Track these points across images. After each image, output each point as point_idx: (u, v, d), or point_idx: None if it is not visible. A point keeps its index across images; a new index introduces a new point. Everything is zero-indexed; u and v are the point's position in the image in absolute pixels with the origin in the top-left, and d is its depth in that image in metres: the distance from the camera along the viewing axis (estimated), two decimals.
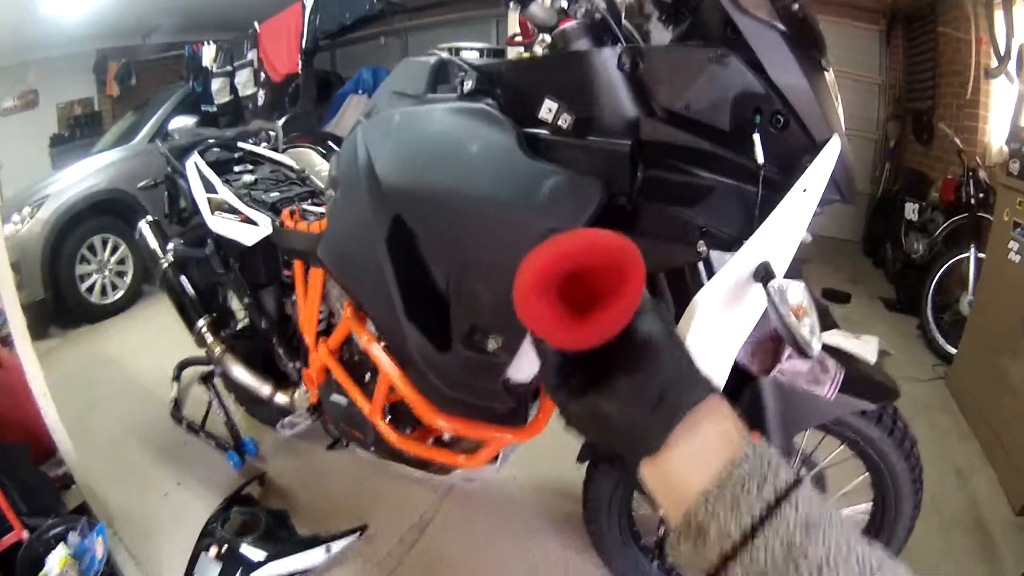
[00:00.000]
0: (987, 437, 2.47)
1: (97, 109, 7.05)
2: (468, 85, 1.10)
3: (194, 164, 2.00)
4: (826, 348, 1.23)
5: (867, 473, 1.36)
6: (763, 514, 0.41)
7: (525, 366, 1.08)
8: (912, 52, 5.58)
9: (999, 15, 3.76)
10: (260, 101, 4.74)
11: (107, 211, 3.96)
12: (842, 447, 1.37)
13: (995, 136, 4.09)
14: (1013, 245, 2.51)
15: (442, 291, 1.09)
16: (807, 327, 0.94)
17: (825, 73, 0.97)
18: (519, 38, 1.22)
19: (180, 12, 5.98)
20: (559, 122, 0.96)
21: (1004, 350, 2.46)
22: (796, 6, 0.93)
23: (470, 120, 1.04)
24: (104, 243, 3.94)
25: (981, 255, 3.09)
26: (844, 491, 1.44)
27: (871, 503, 1.40)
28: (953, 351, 3.09)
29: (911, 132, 5.34)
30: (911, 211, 4.15)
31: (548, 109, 0.97)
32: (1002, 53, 3.73)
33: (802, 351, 0.97)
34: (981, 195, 3.45)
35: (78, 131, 6.76)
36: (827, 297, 4.00)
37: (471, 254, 1.03)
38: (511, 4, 1.06)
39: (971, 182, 3.52)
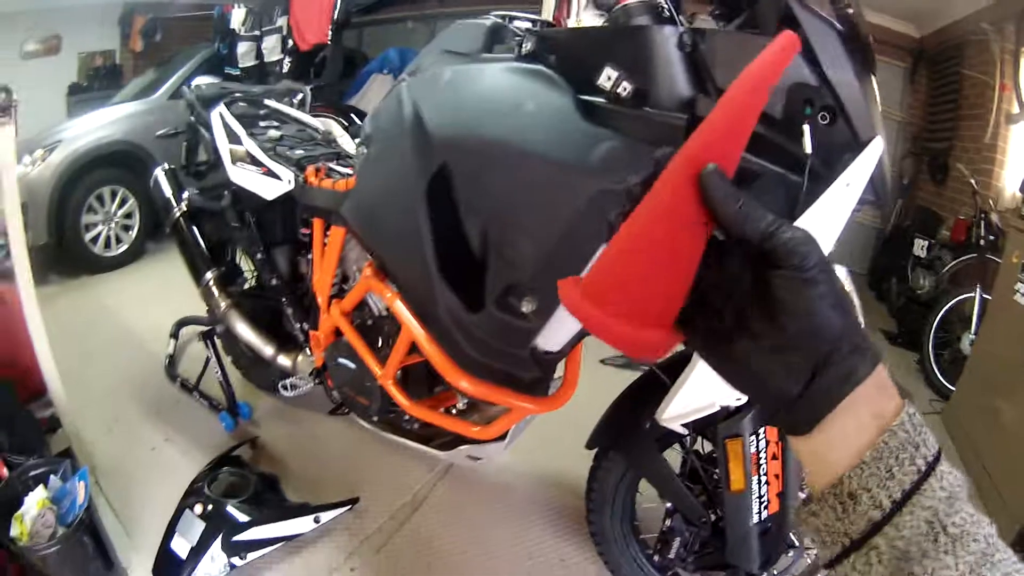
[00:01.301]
0: (979, 475, 2.50)
1: (119, 62, 7.00)
2: (527, 47, 1.09)
3: (219, 114, 1.97)
4: None
5: None
6: (913, 485, 0.41)
7: (555, 334, 1.06)
8: (934, 92, 5.67)
9: None
10: (285, 68, 4.70)
11: (119, 163, 3.92)
12: None
13: (1010, 181, 4.16)
14: (1020, 287, 2.54)
15: (478, 249, 1.07)
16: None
17: (873, 76, 0.98)
18: None
19: None
20: (618, 89, 0.96)
21: (1002, 390, 2.49)
22: (851, 10, 0.94)
23: (527, 79, 1.03)
24: (113, 195, 3.89)
25: (986, 296, 3.12)
26: None
27: None
28: (951, 388, 3.12)
29: (926, 171, 5.42)
30: (920, 247, 4.21)
31: (608, 77, 0.96)
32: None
33: None
34: (991, 237, 3.53)
35: (97, 83, 6.69)
36: None
37: (518, 209, 1.01)
38: None
39: (983, 224, 3.59)
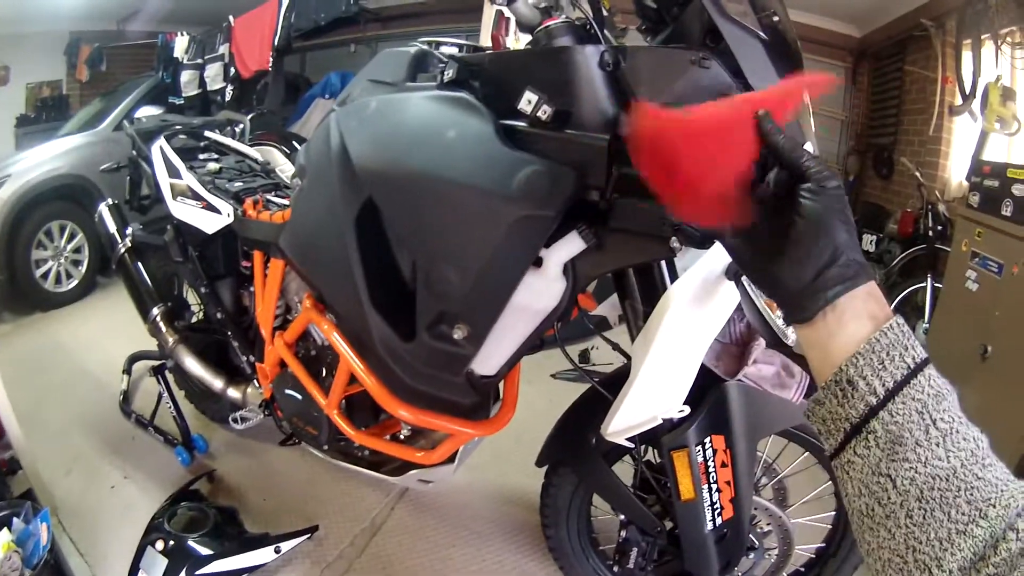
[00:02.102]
0: None
1: (65, 93, 6.89)
2: (449, 74, 1.08)
3: (159, 148, 1.94)
4: (791, 356, 1.24)
5: (829, 482, 1.37)
6: (905, 376, 0.47)
7: (490, 358, 1.06)
8: (877, 89, 5.81)
9: (967, 55, 3.94)
10: (227, 96, 4.67)
11: (67, 197, 3.84)
12: (803, 456, 1.38)
13: (955, 172, 4.26)
14: (970, 274, 2.60)
15: (408, 278, 1.06)
16: (782, 318, 0.94)
17: None
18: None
19: (155, 1, 5.89)
20: (538, 113, 0.95)
21: (960, 375, 2.53)
22: (777, 18, 0.95)
23: (449, 107, 1.02)
24: (62, 230, 3.82)
25: (937, 284, 3.20)
26: (806, 499, 1.45)
27: (834, 512, 1.41)
28: None
29: (871, 167, 5.54)
30: (868, 242, 4.28)
31: (528, 100, 0.95)
32: (967, 92, 3.89)
33: (778, 341, 0.97)
34: (939, 227, 3.60)
35: (44, 113, 6.59)
36: None
37: (443, 238, 1.01)
38: (496, 0, 1.05)
39: (930, 215, 3.66)
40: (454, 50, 1.27)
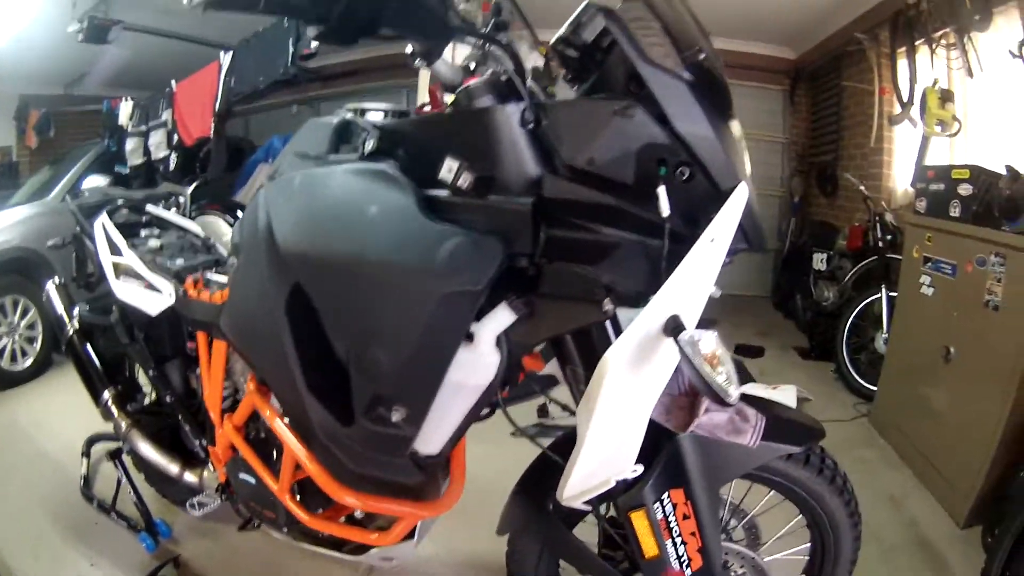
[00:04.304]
0: (918, 462, 2.57)
1: (15, 159, 6.81)
2: (370, 145, 1.07)
3: (102, 225, 1.90)
4: (744, 398, 1.22)
5: (800, 515, 1.35)
6: None
7: (433, 437, 1.03)
8: (816, 107, 5.97)
9: (902, 63, 4.04)
10: (171, 165, 4.59)
11: (18, 270, 3.75)
12: (772, 493, 1.36)
13: (899, 180, 4.35)
14: (925, 279, 2.65)
15: (343, 362, 1.03)
16: (723, 375, 0.92)
17: (731, 122, 0.98)
18: (428, 108, 1.21)
19: (104, 65, 5.86)
20: (459, 182, 0.93)
21: (925, 379, 2.58)
22: (703, 55, 0.94)
23: (369, 182, 1.01)
24: (15, 304, 3.71)
25: (892, 294, 3.23)
26: (779, 535, 1.43)
27: (809, 543, 1.39)
28: (873, 388, 3.19)
29: (816, 185, 5.65)
30: (819, 261, 4.31)
31: (448, 169, 0.94)
32: (905, 100, 3.99)
33: (720, 400, 0.95)
34: (888, 237, 3.64)
35: None
36: (740, 352, 4.09)
37: (371, 321, 0.98)
38: (417, 61, 1.04)
39: (878, 226, 3.70)
40: (380, 116, 1.26)
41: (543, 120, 0.92)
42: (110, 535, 2.11)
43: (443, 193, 0.96)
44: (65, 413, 3.10)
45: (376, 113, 1.26)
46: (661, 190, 0.87)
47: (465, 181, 0.93)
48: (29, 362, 3.74)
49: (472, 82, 1.02)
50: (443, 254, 0.91)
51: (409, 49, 1.01)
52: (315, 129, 1.23)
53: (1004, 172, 2.40)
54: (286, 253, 1.06)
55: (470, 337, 0.96)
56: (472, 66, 1.08)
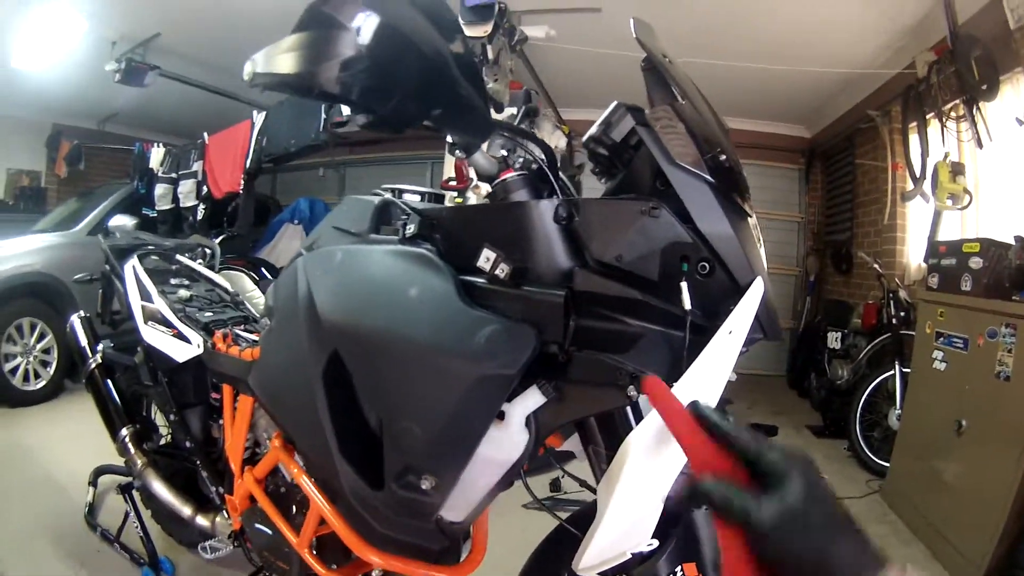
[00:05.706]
0: (930, 537, 2.56)
1: (44, 185, 6.92)
2: (410, 229, 1.13)
3: (132, 268, 1.97)
4: None
5: None
6: None
7: (459, 505, 1.07)
8: (831, 185, 5.99)
9: (914, 138, 4.09)
10: (199, 215, 4.69)
11: (38, 295, 3.85)
12: None
13: (913, 256, 4.35)
14: (937, 355, 2.67)
15: (375, 429, 1.08)
16: None
17: (749, 219, 1.04)
18: (453, 182, 1.27)
19: (137, 107, 6.00)
20: (496, 271, 0.99)
21: (938, 453, 2.59)
22: (724, 157, 0.99)
23: (410, 264, 1.07)
24: (32, 327, 3.79)
25: (906, 370, 3.25)
26: None
27: None
28: (885, 464, 3.20)
29: (830, 264, 5.64)
30: (834, 339, 4.33)
31: (486, 259, 0.99)
32: (917, 175, 4.02)
33: None
34: (902, 314, 3.66)
35: (22, 203, 6.59)
36: None
37: (407, 395, 1.03)
38: (456, 152, 1.11)
39: (892, 303, 3.73)
40: (416, 198, 1.33)
41: (575, 216, 0.98)
42: (111, 565, 2.14)
43: (480, 280, 1.02)
44: (73, 440, 3.14)
45: (412, 195, 1.33)
46: (684, 285, 0.92)
47: (503, 271, 0.99)
48: (42, 384, 3.81)
49: (508, 175, 1.09)
50: (480, 339, 0.96)
51: (449, 139, 1.09)
52: (354, 206, 1.30)
53: (1013, 242, 2.44)
54: (326, 322, 1.11)
55: (501, 416, 1.01)
56: (505, 153, 1.15)
